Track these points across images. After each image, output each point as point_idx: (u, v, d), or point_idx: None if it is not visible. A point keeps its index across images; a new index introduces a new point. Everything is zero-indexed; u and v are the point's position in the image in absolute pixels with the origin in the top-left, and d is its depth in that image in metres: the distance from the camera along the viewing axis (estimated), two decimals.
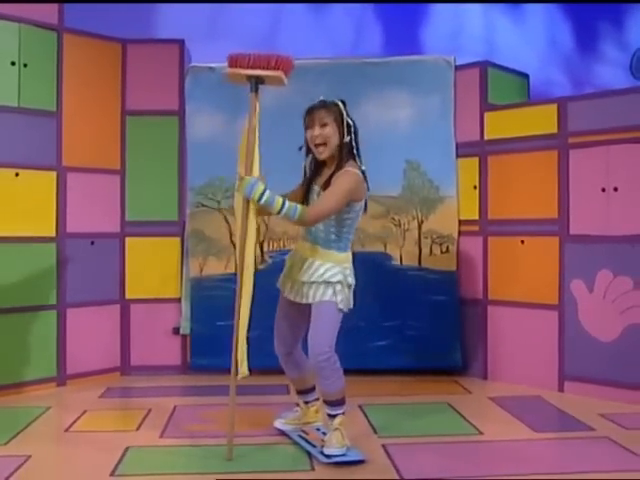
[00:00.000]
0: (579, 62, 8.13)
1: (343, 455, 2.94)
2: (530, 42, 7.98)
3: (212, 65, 4.68)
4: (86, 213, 4.35)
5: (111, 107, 4.49)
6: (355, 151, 3.03)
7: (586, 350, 3.99)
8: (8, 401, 3.88)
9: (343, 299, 3.00)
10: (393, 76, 4.58)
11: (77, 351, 4.32)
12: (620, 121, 3.87)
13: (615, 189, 3.89)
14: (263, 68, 2.95)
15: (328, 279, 2.97)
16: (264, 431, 3.34)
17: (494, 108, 4.42)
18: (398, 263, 4.59)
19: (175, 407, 3.79)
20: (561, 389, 4.10)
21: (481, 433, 3.35)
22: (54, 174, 4.22)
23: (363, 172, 3.02)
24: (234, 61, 2.98)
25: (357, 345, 4.53)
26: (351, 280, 3.09)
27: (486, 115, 4.43)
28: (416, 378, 4.43)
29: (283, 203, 2.84)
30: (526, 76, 4.85)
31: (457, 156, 4.53)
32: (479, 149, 4.45)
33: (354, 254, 4.51)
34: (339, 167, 2.96)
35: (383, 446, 3.14)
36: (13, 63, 4.05)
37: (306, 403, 3.32)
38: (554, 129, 4.12)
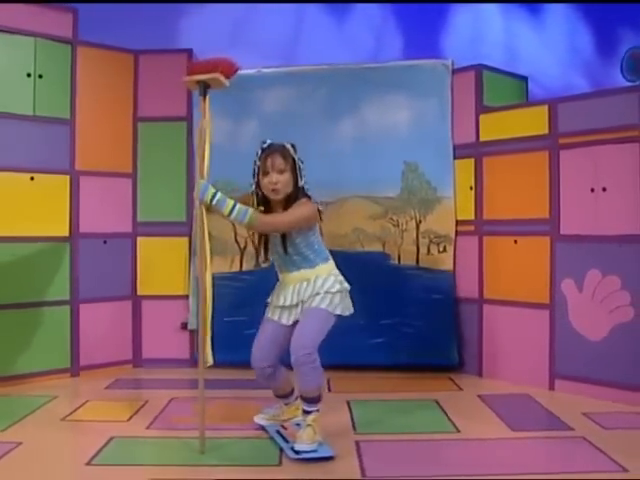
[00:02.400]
0: (600, 67, 7.79)
1: (313, 451, 2.81)
2: (550, 48, 7.69)
3: None
4: (99, 214, 4.34)
5: (123, 114, 4.47)
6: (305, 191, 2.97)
7: (576, 349, 3.77)
8: (21, 390, 3.88)
9: (343, 306, 2.98)
10: (391, 80, 4.43)
11: (90, 344, 4.31)
12: (609, 121, 3.63)
13: (604, 189, 3.65)
14: (203, 73, 2.88)
15: (328, 289, 2.91)
16: (245, 425, 3.24)
17: (488, 110, 4.22)
18: (396, 262, 4.43)
19: (172, 399, 3.72)
20: (552, 387, 3.88)
21: (458, 431, 3.17)
22: (67, 178, 4.22)
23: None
24: (187, 69, 2.99)
25: (355, 342, 4.39)
26: (347, 285, 3.04)
27: (481, 117, 4.24)
28: (412, 375, 4.25)
29: (233, 206, 2.78)
30: (524, 78, 4.62)
31: (454, 157, 4.35)
32: (474, 150, 4.25)
33: (353, 254, 4.46)
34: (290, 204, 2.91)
35: (357, 443, 3.00)
36: (29, 74, 4.05)
37: (286, 404, 3.22)
38: (545, 130, 3.91)
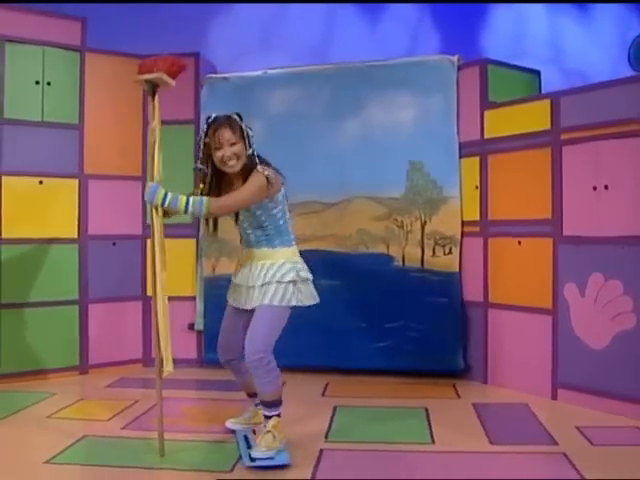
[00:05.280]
0: None
1: (270, 459, 2.68)
2: (600, 44, 7.24)
3: (226, 75, 4.57)
4: (108, 217, 4.35)
5: (132, 118, 4.46)
6: (257, 159, 2.76)
7: (579, 358, 3.47)
8: (28, 386, 3.93)
9: (300, 296, 2.77)
10: (396, 78, 4.24)
11: (100, 343, 4.33)
12: (613, 115, 3.31)
13: (606, 187, 3.34)
14: (149, 72, 2.79)
15: (280, 279, 2.74)
16: (218, 428, 3.13)
17: (493, 106, 3.95)
18: (400, 264, 4.22)
19: (162, 399, 3.66)
20: (554, 397, 3.58)
21: (433, 442, 2.96)
22: (76, 181, 4.25)
23: (270, 166, 2.79)
24: (138, 68, 2.86)
25: (359, 346, 4.23)
26: (304, 274, 2.81)
27: (486, 113, 3.97)
28: (415, 381, 4.05)
29: (187, 201, 2.66)
30: (537, 73, 4.31)
31: (460, 156, 4.11)
32: (480, 148, 4.00)
33: (357, 255, 4.29)
34: (249, 175, 2.74)
35: (321, 451, 2.84)
36: (37, 82, 4.12)
37: (256, 405, 3.09)
38: (548, 125, 3.62)
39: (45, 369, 4.14)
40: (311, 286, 2.86)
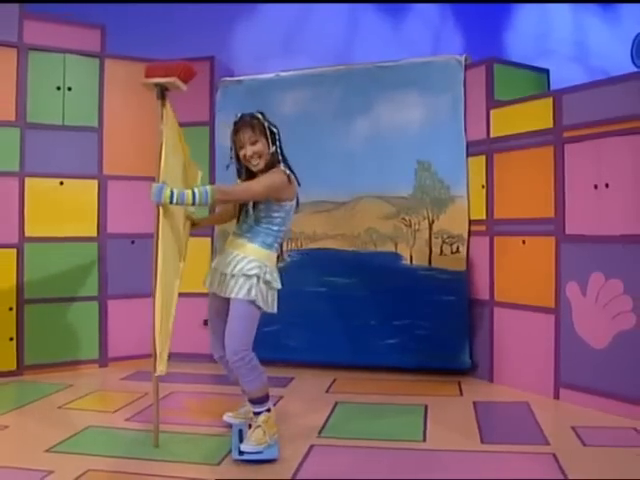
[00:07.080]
0: None
1: (258, 453, 2.68)
2: (625, 41, 7.03)
3: (240, 78, 4.59)
4: (127, 216, 4.41)
5: (150, 121, 4.42)
6: (280, 157, 2.82)
7: (580, 357, 3.36)
8: (49, 378, 4.02)
9: (258, 295, 2.71)
10: (404, 78, 4.18)
11: (119, 337, 4.41)
12: (615, 112, 3.19)
13: (607, 185, 3.22)
14: (161, 76, 2.79)
15: (246, 272, 2.72)
16: (217, 422, 3.15)
17: (498, 105, 3.86)
18: (408, 263, 4.17)
19: (170, 393, 3.71)
20: (557, 396, 3.48)
21: (424, 440, 2.91)
22: (95, 182, 4.34)
23: (293, 173, 2.82)
24: (145, 71, 2.88)
25: (367, 343, 4.20)
26: (269, 278, 2.75)
27: (492, 112, 3.89)
28: (421, 378, 4.00)
29: (193, 193, 2.65)
30: (545, 71, 4.18)
31: (467, 155, 4.03)
32: (486, 147, 3.91)
33: (366, 254, 4.25)
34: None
35: (311, 446, 2.83)
36: (58, 88, 4.22)
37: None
38: (550, 124, 3.51)
39: (66, 362, 4.23)
40: (271, 293, 2.78)
